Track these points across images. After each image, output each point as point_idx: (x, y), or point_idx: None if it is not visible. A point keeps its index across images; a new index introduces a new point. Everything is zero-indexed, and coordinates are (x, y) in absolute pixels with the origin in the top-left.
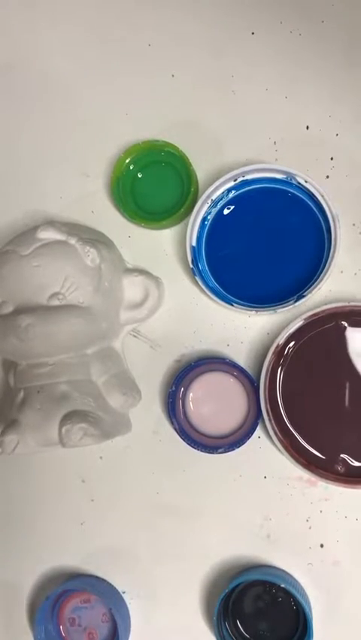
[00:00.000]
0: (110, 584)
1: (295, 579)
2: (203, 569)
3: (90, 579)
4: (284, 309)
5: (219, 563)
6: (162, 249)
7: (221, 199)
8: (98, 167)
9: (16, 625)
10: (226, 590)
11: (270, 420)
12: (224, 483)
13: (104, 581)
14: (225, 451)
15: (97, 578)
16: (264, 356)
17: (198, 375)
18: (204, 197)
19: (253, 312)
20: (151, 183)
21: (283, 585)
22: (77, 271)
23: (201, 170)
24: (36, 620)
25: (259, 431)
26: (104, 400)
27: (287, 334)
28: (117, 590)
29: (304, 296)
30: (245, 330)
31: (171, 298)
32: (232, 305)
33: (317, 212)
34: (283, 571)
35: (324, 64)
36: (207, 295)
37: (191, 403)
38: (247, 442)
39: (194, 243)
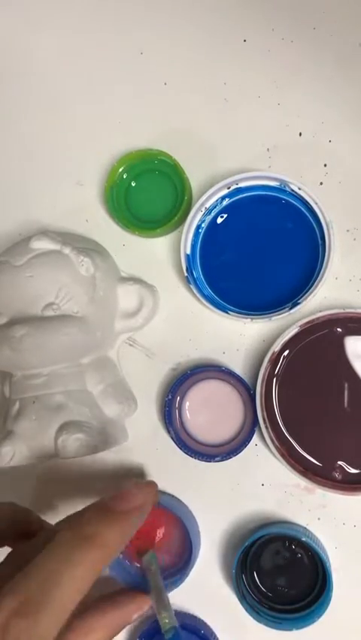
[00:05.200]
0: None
1: (315, 536)
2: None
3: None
4: (279, 316)
5: (219, 568)
6: (156, 258)
7: (215, 207)
8: (92, 176)
9: None
10: (246, 544)
11: (267, 427)
12: (222, 491)
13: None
14: (222, 460)
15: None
16: (260, 363)
17: (194, 384)
18: (197, 205)
19: (249, 320)
20: (145, 192)
21: (303, 539)
22: (72, 281)
23: (194, 178)
24: None
25: (256, 439)
26: (100, 410)
27: (283, 342)
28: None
29: (299, 303)
30: (241, 337)
31: (166, 306)
32: (228, 313)
33: (311, 219)
34: (304, 527)
35: (316, 71)
36: (203, 303)
37: (187, 411)
38: (244, 450)
39: (188, 251)
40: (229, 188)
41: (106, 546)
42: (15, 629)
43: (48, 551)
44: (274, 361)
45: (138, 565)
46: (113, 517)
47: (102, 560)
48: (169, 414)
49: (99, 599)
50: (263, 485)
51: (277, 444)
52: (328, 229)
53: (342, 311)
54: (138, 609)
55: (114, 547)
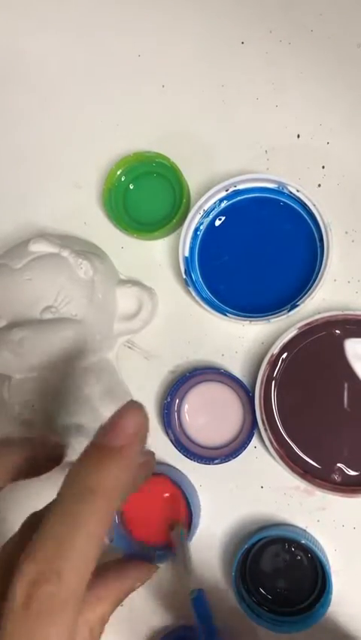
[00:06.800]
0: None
1: (315, 538)
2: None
3: (168, 467)
4: (278, 318)
5: (219, 570)
6: (155, 260)
7: (213, 209)
8: (90, 178)
9: None
10: (245, 546)
11: (265, 430)
12: (221, 494)
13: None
14: (221, 462)
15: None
16: (259, 366)
17: (193, 386)
18: (196, 207)
19: (247, 322)
20: (143, 194)
21: (303, 541)
22: (70, 284)
23: (192, 180)
24: None
25: (255, 441)
26: (98, 413)
27: (281, 344)
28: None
29: (297, 305)
30: (239, 340)
31: (164, 309)
32: (226, 315)
33: (309, 221)
34: (303, 529)
35: (314, 73)
36: (201, 305)
37: (186, 414)
38: (243, 452)
39: (187, 254)
40: (227, 190)
41: (110, 491)
42: (42, 596)
43: (56, 511)
44: (273, 363)
45: (139, 541)
46: (111, 456)
47: (110, 507)
48: (168, 416)
49: (103, 567)
50: (262, 487)
51: (276, 446)
52: (326, 231)
53: (341, 313)
54: (143, 577)
55: (120, 489)
